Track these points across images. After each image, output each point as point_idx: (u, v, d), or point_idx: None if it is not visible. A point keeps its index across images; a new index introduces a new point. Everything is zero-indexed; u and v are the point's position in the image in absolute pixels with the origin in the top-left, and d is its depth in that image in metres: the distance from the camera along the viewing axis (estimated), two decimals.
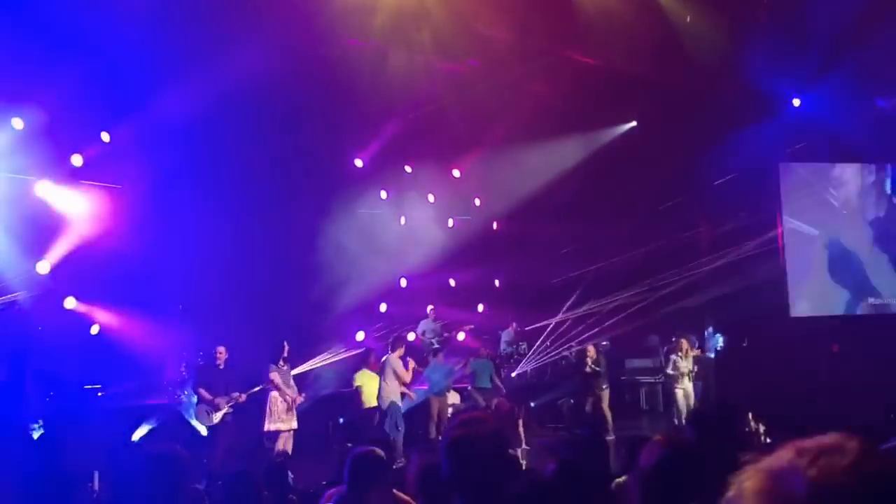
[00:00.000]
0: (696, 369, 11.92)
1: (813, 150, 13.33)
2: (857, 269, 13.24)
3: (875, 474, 0.82)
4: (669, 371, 12.00)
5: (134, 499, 3.02)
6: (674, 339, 12.17)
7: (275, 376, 9.18)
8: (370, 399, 10.27)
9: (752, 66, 11.61)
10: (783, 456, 0.86)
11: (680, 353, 11.79)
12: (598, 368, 12.21)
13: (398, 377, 10.02)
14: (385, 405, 10.01)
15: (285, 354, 9.38)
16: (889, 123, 12.59)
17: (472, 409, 10.56)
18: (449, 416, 10.90)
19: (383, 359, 10.35)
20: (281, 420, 9.09)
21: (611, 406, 12.33)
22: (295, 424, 9.22)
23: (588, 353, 12.33)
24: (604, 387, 12.22)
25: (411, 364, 10.33)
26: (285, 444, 9.15)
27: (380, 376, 10.18)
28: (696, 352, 12.46)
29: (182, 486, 3.00)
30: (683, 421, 11.31)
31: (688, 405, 11.59)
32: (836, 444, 0.86)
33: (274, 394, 9.15)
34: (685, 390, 11.74)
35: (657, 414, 13.83)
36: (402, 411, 10.13)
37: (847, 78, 11.50)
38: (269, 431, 9.12)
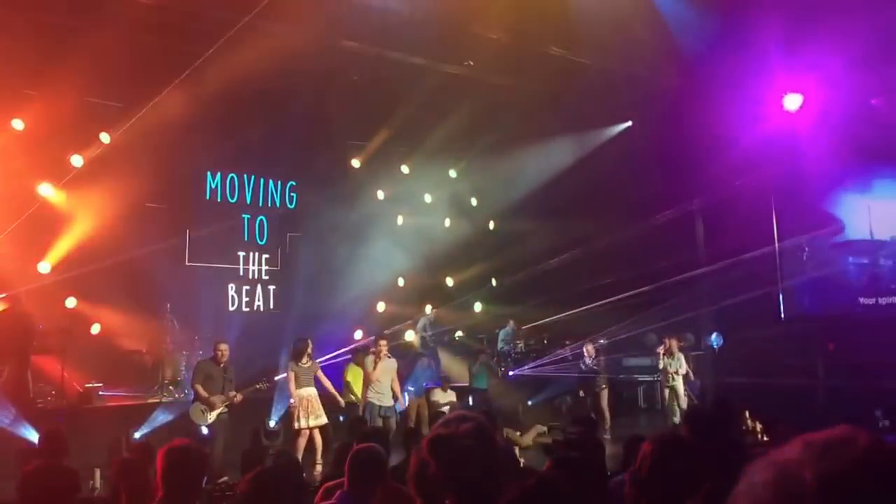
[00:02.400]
0: (686, 369, 11.89)
1: (810, 149, 13.37)
2: (854, 267, 13.30)
3: (883, 467, 0.82)
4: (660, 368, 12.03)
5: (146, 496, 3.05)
6: (664, 340, 12.15)
7: (291, 375, 9.25)
8: (357, 394, 10.35)
9: (749, 65, 11.65)
10: (791, 449, 0.86)
11: (668, 353, 11.79)
12: (595, 367, 12.30)
13: (365, 376, 10.11)
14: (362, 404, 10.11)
15: (309, 351, 9.41)
16: (883, 123, 12.63)
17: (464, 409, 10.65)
18: (439, 413, 11.06)
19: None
20: (298, 419, 9.15)
21: (609, 404, 12.38)
22: (320, 421, 9.27)
23: (586, 352, 12.40)
24: (602, 385, 12.31)
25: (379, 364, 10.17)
26: (309, 440, 9.21)
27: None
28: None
29: (199, 481, 3.03)
30: (675, 419, 11.36)
31: (678, 404, 11.60)
32: (844, 436, 0.85)
33: (294, 393, 9.24)
34: (674, 388, 11.75)
35: (655, 412, 13.89)
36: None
37: (843, 77, 11.54)
38: (293, 430, 9.21)
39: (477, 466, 1.91)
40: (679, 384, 11.74)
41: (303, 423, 9.15)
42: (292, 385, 9.21)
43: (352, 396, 10.27)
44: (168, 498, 2.93)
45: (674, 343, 11.89)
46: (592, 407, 12.10)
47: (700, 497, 2.45)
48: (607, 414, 12.12)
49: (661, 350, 11.91)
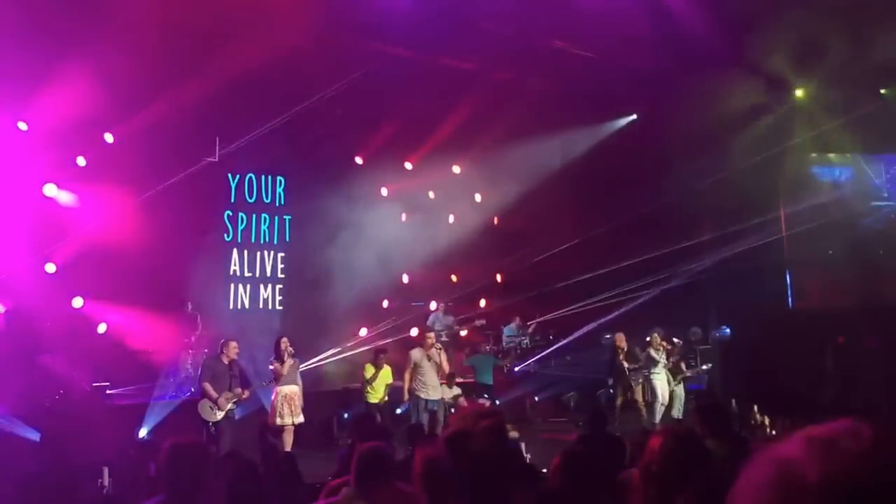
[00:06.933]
0: (670, 362, 11.58)
1: (814, 141, 13.31)
2: (860, 260, 13.23)
3: (889, 464, 0.78)
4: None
5: (149, 492, 3.03)
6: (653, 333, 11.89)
7: (277, 371, 9.26)
8: (375, 394, 10.35)
9: (754, 58, 11.58)
10: (793, 445, 0.82)
11: (653, 347, 11.59)
12: (628, 363, 11.74)
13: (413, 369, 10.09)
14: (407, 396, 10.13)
15: (290, 350, 9.40)
16: (889, 115, 12.54)
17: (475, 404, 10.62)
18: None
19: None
20: (280, 416, 9.15)
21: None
22: (298, 419, 9.28)
23: (618, 343, 11.83)
24: (639, 379, 11.68)
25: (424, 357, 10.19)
26: (288, 438, 9.23)
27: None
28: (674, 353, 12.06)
29: (205, 476, 3.01)
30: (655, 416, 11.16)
31: (661, 400, 11.38)
32: (848, 431, 0.81)
33: (277, 389, 9.25)
34: (655, 385, 11.50)
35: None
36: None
37: (849, 69, 11.45)
38: (274, 426, 9.18)
39: (493, 465, 1.91)
40: (662, 380, 11.52)
41: (286, 420, 9.15)
42: (280, 383, 9.21)
43: (369, 395, 10.28)
44: (175, 496, 2.92)
45: (657, 338, 11.70)
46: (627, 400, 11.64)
47: (693, 494, 2.43)
48: (643, 408, 11.55)
49: (655, 344, 11.62)
